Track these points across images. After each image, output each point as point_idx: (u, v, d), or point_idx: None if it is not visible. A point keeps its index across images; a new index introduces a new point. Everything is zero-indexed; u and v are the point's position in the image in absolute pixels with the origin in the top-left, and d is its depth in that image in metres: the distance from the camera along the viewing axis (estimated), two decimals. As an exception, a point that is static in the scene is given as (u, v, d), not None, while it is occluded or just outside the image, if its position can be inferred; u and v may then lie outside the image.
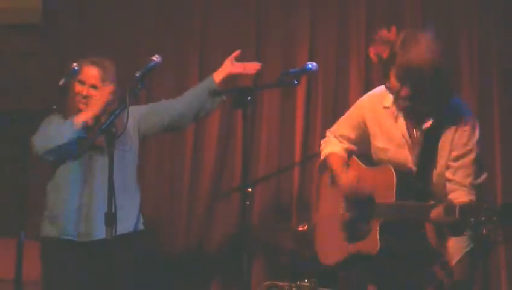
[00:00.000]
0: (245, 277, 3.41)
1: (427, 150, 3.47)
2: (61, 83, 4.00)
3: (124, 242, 4.05)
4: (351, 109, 3.85)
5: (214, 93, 4.23)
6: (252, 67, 4.29)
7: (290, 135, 5.63)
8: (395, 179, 3.44)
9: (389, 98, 3.54)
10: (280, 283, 4.86)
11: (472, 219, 3.07)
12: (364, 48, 5.52)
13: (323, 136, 5.00)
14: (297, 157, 5.52)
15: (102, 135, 3.57)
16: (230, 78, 5.03)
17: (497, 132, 5.25)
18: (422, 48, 3.24)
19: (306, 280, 4.82)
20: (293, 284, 4.80)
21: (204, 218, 5.77)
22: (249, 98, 3.42)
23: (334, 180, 3.82)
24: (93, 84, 4.11)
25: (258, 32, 5.82)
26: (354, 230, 3.67)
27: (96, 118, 4.03)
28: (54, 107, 4.06)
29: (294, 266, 4.72)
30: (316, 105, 5.60)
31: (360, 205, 3.65)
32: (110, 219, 3.47)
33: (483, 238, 3.16)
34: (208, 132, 5.73)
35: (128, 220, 4.15)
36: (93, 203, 4.01)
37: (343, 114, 4.55)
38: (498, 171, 5.21)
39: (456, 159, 3.43)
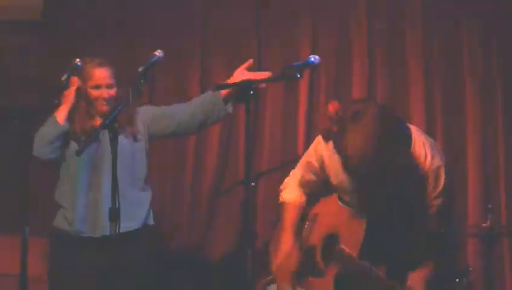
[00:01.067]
0: (249, 273, 3.40)
1: (391, 206, 3.39)
2: (63, 78, 4.02)
3: (135, 237, 4.09)
4: (311, 153, 3.75)
5: (217, 87, 4.23)
6: (262, 77, 4.23)
7: (293, 129, 5.64)
8: (362, 234, 3.38)
9: None
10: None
11: None
12: (366, 41, 5.54)
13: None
14: (301, 151, 5.52)
15: (105, 130, 3.59)
16: (233, 68, 5.04)
17: (500, 132, 5.26)
18: (354, 142, 3.08)
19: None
20: (297, 279, 4.80)
21: (207, 214, 5.78)
22: (252, 92, 3.41)
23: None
24: (108, 84, 4.13)
25: (258, 28, 5.84)
26: (311, 262, 3.63)
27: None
28: (56, 102, 4.06)
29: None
30: (319, 99, 5.61)
31: (324, 239, 3.61)
32: (114, 214, 3.48)
33: None
34: (210, 127, 5.73)
35: (139, 216, 4.17)
36: (102, 198, 4.02)
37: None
38: (501, 171, 5.22)
39: (419, 212, 3.35)
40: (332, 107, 3.97)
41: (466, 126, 5.35)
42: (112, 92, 4.14)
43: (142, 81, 3.63)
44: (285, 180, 3.94)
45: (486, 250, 4.92)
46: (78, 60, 4.03)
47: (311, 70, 5.40)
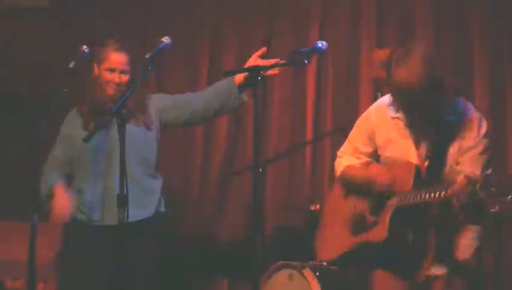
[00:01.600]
0: (258, 257, 3.41)
1: (436, 151, 3.52)
2: (71, 65, 4.01)
3: (148, 225, 4.12)
4: (359, 123, 3.86)
5: (226, 73, 4.23)
6: (270, 63, 4.23)
7: (301, 114, 5.63)
8: (413, 173, 3.47)
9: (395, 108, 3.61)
10: (293, 263, 4.87)
11: (494, 189, 3.11)
12: (375, 26, 5.50)
13: (335, 115, 4.99)
14: (309, 136, 5.53)
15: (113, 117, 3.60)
16: (243, 58, 4.99)
17: (509, 132, 5.19)
18: (409, 67, 3.30)
19: (319, 260, 4.84)
20: (306, 264, 4.81)
21: (216, 199, 5.80)
22: (260, 77, 3.41)
23: (349, 192, 3.85)
24: (123, 70, 4.13)
25: (269, 13, 5.83)
26: (361, 223, 3.68)
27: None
28: (65, 90, 4.06)
29: (307, 246, 4.73)
30: (327, 84, 5.59)
31: (374, 198, 3.66)
32: (122, 200, 3.49)
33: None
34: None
35: (152, 204, 4.19)
36: (113, 187, 4.01)
37: (353, 92, 4.52)
38: (510, 155, 5.16)
39: (465, 152, 3.47)
40: (383, 52, 3.99)
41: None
42: (125, 78, 4.14)
43: (149, 67, 3.63)
44: (335, 163, 3.97)
45: (495, 234, 4.93)
46: (85, 46, 4.03)
47: (318, 56, 5.38)
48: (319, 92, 5.61)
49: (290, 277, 4.84)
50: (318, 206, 4.84)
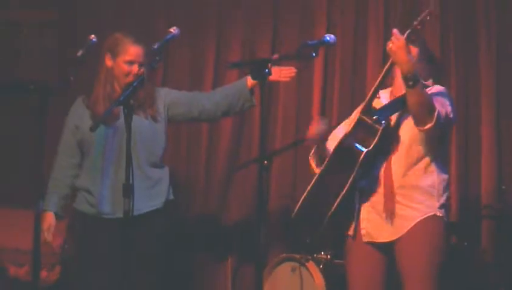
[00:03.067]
0: (262, 248, 3.43)
1: None
2: (79, 54, 4.00)
3: (158, 215, 4.17)
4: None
5: (232, 65, 4.23)
6: (287, 73, 4.24)
7: (307, 107, 5.63)
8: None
9: None
10: (296, 256, 4.88)
11: None
12: (382, 19, 5.48)
13: (341, 109, 4.99)
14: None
15: (119, 107, 3.60)
16: (249, 50, 4.97)
17: None
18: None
19: (322, 253, 4.84)
20: (309, 257, 4.82)
21: (222, 191, 5.81)
22: (267, 70, 3.41)
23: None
24: (140, 62, 4.15)
25: (275, 4, 5.81)
26: None
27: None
28: (72, 78, 4.05)
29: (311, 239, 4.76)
30: (334, 77, 5.58)
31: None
32: (128, 190, 3.49)
33: None
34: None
35: (162, 194, 4.21)
36: (123, 179, 4.01)
37: (360, 86, 4.52)
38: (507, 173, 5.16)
39: None
40: None
41: (481, 106, 5.28)
42: (142, 70, 4.16)
43: (157, 58, 3.63)
44: None
45: (499, 231, 4.92)
46: (93, 36, 4.03)
47: (326, 48, 5.37)
48: (325, 85, 5.61)
49: (293, 269, 4.85)
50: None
